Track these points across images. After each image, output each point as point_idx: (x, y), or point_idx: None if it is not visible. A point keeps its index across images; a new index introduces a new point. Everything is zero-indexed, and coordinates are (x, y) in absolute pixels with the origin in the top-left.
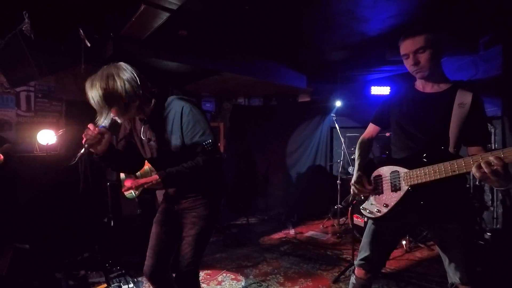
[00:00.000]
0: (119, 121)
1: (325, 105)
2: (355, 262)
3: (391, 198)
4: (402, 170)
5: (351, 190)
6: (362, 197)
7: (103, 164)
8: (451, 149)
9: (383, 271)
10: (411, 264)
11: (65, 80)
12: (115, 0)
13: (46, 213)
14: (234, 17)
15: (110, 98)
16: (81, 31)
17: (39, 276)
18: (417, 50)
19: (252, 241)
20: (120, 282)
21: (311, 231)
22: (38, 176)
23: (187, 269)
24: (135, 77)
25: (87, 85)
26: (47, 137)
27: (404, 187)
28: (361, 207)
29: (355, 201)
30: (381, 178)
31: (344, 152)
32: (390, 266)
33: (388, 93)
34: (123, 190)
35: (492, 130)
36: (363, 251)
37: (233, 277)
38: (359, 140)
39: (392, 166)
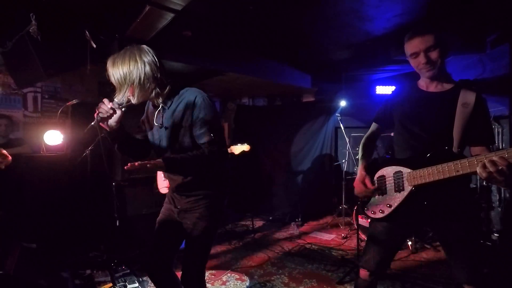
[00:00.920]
0: (133, 101)
1: (330, 105)
2: (359, 263)
3: (394, 198)
4: (405, 170)
5: (354, 190)
6: (365, 198)
7: (111, 139)
8: (455, 149)
9: (388, 272)
10: (417, 265)
11: (71, 81)
12: (120, 2)
13: (53, 213)
14: (239, 17)
15: (129, 77)
16: (87, 32)
17: (45, 275)
18: (428, 48)
19: (257, 241)
20: (125, 281)
21: (315, 231)
22: (45, 176)
23: (193, 269)
24: (156, 61)
25: (109, 62)
26: (53, 137)
27: (408, 188)
28: (364, 208)
29: (359, 202)
30: (385, 178)
31: (349, 152)
32: (396, 267)
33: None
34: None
35: (500, 130)
36: (367, 252)
37: (238, 277)
38: (362, 140)
39: (395, 166)
